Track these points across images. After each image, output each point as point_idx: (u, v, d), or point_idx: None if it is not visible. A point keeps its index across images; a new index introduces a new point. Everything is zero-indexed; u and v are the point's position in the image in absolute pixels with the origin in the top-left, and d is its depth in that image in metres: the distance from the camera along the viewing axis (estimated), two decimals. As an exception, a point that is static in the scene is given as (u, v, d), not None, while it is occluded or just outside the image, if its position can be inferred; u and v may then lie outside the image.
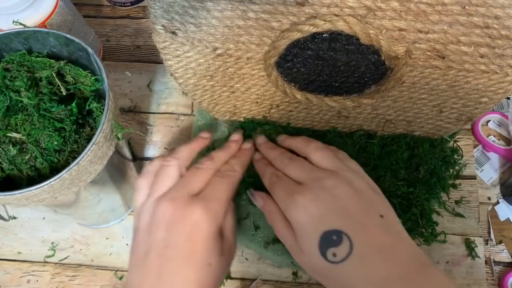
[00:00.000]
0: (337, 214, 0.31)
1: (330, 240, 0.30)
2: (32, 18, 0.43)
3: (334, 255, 0.30)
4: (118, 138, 0.35)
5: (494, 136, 0.51)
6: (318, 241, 0.30)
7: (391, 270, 0.29)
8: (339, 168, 0.34)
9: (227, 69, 0.37)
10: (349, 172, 0.34)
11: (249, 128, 0.44)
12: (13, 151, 0.32)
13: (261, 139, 0.42)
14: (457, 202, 0.46)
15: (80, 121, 0.35)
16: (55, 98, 0.34)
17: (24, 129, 0.33)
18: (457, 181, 0.46)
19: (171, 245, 0.32)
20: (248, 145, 0.42)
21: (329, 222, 0.31)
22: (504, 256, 0.46)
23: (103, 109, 0.34)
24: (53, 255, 0.46)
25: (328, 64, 0.36)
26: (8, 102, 0.33)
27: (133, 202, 0.37)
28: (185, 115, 0.52)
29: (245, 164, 0.40)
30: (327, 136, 0.44)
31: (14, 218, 0.48)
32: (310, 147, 0.37)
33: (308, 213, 0.31)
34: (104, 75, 0.34)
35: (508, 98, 0.52)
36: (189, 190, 0.34)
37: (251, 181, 0.41)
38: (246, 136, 0.44)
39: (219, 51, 0.35)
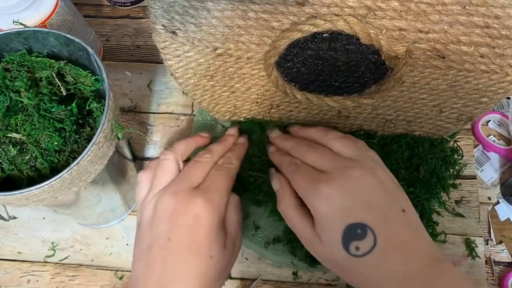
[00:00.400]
0: (362, 207, 0.30)
1: (354, 233, 0.30)
2: (32, 18, 0.43)
3: (357, 248, 0.29)
4: (118, 138, 0.35)
5: (494, 136, 0.51)
6: (341, 233, 0.30)
7: (411, 266, 0.29)
8: (361, 157, 0.34)
9: (227, 69, 0.37)
10: (372, 162, 0.33)
11: (249, 128, 0.44)
12: (13, 151, 0.32)
13: (275, 133, 0.42)
14: (457, 202, 0.46)
15: (80, 121, 0.35)
16: (55, 98, 0.34)
17: (24, 130, 0.33)
18: (457, 181, 0.46)
19: (174, 238, 0.32)
20: (243, 139, 0.42)
21: (355, 215, 0.30)
22: (504, 256, 0.46)
23: (103, 109, 0.34)
24: (53, 255, 0.46)
25: (328, 64, 0.36)
26: (8, 102, 0.33)
27: (135, 198, 0.38)
28: (185, 115, 0.52)
29: (241, 157, 0.40)
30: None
31: (14, 218, 0.48)
32: (328, 136, 0.36)
33: (333, 204, 0.31)
34: (104, 75, 0.34)
35: (508, 98, 0.52)
36: (190, 183, 0.35)
37: (254, 174, 0.41)
38: (244, 133, 0.44)
39: (219, 51, 0.35)
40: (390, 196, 0.31)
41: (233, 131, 0.42)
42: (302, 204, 0.34)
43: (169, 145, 0.51)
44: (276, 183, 0.37)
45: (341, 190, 0.31)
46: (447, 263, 0.30)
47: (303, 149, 0.36)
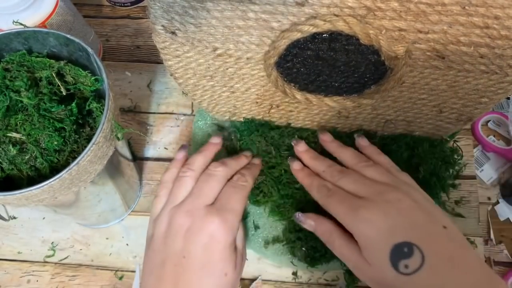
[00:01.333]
0: (405, 227, 0.31)
1: (401, 252, 0.30)
2: (32, 18, 0.43)
3: (406, 266, 0.30)
4: (118, 138, 0.35)
5: (494, 136, 0.51)
6: (389, 253, 0.31)
7: (464, 279, 0.29)
8: (395, 182, 0.35)
9: (227, 69, 0.37)
10: (406, 186, 0.35)
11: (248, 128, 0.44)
12: (13, 151, 0.32)
13: (302, 146, 0.42)
14: (457, 202, 0.46)
15: (80, 121, 0.35)
16: (55, 98, 0.34)
17: (24, 129, 0.33)
18: (457, 181, 0.46)
19: (188, 256, 0.33)
20: (257, 161, 0.43)
21: (399, 235, 0.31)
22: (504, 256, 0.46)
23: (103, 109, 0.34)
24: (53, 255, 0.46)
25: (328, 64, 0.36)
26: (8, 102, 0.33)
27: (151, 211, 0.38)
28: (185, 115, 0.52)
29: (255, 177, 0.41)
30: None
31: (14, 218, 0.48)
32: (361, 164, 0.38)
33: (376, 227, 0.32)
34: (104, 75, 0.34)
35: (508, 98, 0.52)
36: (205, 200, 0.35)
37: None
38: (244, 133, 0.45)
39: (219, 51, 0.35)
40: (429, 215, 0.32)
41: (248, 153, 0.43)
42: (344, 230, 0.34)
43: (169, 145, 0.51)
44: (310, 223, 0.38)
45: (382, 213, 0.32)
46: (499, 278, 0.30)
47: (336, 174, 0.37)
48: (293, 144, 0.43)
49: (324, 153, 0.42)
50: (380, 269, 0.31)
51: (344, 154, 0.40)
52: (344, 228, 0.34)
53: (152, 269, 0.34)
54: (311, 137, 0.44)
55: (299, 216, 0.38)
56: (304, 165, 0.41)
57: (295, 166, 0.41)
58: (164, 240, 0.34)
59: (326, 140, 0.42)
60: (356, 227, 0.33)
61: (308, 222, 0.38)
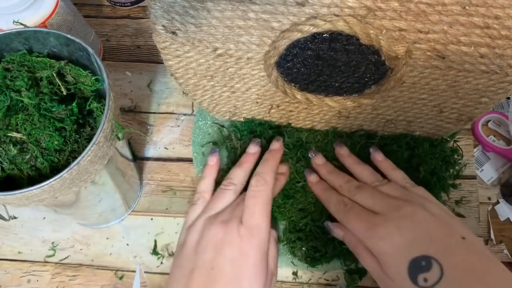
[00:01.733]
0: (422, 241, 0.32)
1: (419, 266, 0.31)
2: (33, 18, 0.43)
3: (426, 280, 0.30)
4: (119, 138, 0.35)
5: (494, 136, 0.51)
6: (407, 268, 0.31)
7: None
8: (409, 196, 0.35)
9: (227, 69, 0.37)
10: (420, 199, 0.35)
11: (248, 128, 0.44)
12: (13, 151, 0.32)
13: (319, 159, 0.43)
14: (457, 202, 0.46)
15: (80, 121, 0.35)
16: (56, 98, 0.34)
17: (25, 129, 0.33)
18: (457, 181, 0.46)
19: (217, 268, 0.33)
20: (284, 168, 0.43)
21: (416, 249, 0.31)
22: (504, 256, 0.46)
23: (104, 109, 0.34)
24: (53, 255, 0.46)
25: (328, 64, 0.36)
26: (9, 102, 0.33)
27: (186, 219, 0.39)
28: (185, 115, 0.52)
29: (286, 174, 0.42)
30: (327, 136, 0.44)
31: (15, 218, 0.48)
32: (377, 182, 0.38)
33: (393, 243, 0.32)
34: (105, 75, 0.34)
35: (508, 98, 0.52)
36: (240, 215, 0.36)
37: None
38: (243, 132, 0.45)
39: (219, 51, 0.35)
40: (446, 226, 0.33)
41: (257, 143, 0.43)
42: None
43: (169, 145, 0.51)
44: (339, 233, 0.38)
45: (398, 228, 0.33)
46: None
47: (353, 189, 0.38)
48: (310, 157, 0.43)
49: (330, 155, 0.42)
50: (400, 284, 0.31)
51: (361, 171, 0.40)
52: None
53: (180, 277, 0.34)
54: (311, 137, 0.44)
55: (328, 225, 0.39)
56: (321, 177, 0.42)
57: (311, 179, 0.42)
58: (195, 249, 0.35)
59: (343, 154, 0.42)
60: (374, 244, 0.33)
61: (337, 231, 0.38)
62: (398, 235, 0.32)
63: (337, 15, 0.30)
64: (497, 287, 0.29)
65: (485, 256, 0.31)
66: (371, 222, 0.34)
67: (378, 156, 0.41)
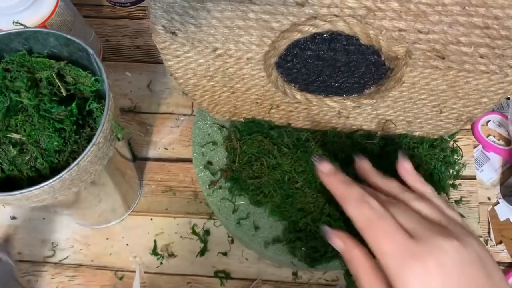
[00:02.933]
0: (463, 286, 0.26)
1: None
2: (32, 18, 0.43)
3: None
4: (118, 139, 0.35)
5: (494, 136, 0.51)
6: None
7: None
8: (447, 222, 0.30)
9: (227, 69, 0.37)
10: (459, 228, 0.29)
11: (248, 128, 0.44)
12: (13, 151, 0.32)
13: (325, 167, 0.34)
14: (457, 202, 0.46)
15: (80, 122, 0.35)
16: (55, 98, 0.34)
17: (24, 130, 0.33)
18: (457, 181, 0.46)
19: None
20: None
21: None
22: (504, 256, 0.46)
23: (103, 110, 0.34)
24: (53, 255, 0.46)
25: (328, 64, 0.36)
26: (8, 102, 0.33)
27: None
28: (185, 115, 0.52)
29: None
30: (327, 136, 0.44)
31: (14, 218, 0.48)
32: (407, 194, 0.32)
33: (428, 285, 0.26)
34: (104, 76, 0.34)
35: (508, 98, 0.52)
36: None
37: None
38: (243, 132, 0.45)
39: (219, 52, 0.35)
40: (487, 274, 0.27)
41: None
42: (377, 269, 0.28)
43: (169, 145, 0.51)
44: (339, 244, 0.31)
45: (437, 270, 0.26)
46: None
47: (381, 199, 0.31)
48: (314, 163, 0.35)
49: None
50: None
51: (387, 184, 0.33)
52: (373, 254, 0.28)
53: None
54: (310, 137, 0.44)
55: (326, 231, 0.32)
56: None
57: (324, 168, 0.34)
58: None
59: (366, 169, 0.35)
60: (403, 278, 0.26)
61: (337, 242, 0.31)
62: (436, 279, 0.26)
63: (337, 16, 0.30)
64: None
65: None
66: (407, 251, 0.27)
67: (406, 165, 0.34)
